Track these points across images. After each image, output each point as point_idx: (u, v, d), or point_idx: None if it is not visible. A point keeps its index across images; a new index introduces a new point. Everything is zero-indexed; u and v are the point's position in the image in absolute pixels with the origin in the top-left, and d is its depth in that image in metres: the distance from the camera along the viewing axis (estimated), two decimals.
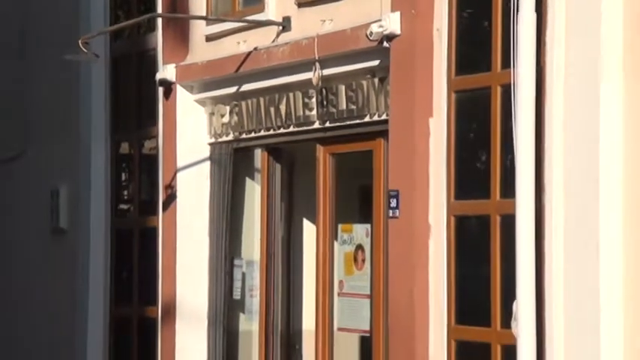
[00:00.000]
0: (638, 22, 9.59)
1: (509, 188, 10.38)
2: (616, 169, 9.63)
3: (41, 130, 17.93)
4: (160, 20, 14.94)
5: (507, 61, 10.44)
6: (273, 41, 13.42)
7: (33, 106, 18.16)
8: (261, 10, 13.61)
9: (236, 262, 14.61)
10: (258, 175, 14.39)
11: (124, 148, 16.67)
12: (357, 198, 13.09)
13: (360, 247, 12.76)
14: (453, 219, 11.34)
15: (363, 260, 12.67)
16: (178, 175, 14.78)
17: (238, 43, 13.96)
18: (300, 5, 13.17)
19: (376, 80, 12.20)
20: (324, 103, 12.89)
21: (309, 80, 12.78)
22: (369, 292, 12.50)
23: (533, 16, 10.07)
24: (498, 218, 10.78)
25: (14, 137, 18.63)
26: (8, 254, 18.77)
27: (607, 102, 9.62)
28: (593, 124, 9.69)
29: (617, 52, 9.64)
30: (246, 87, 14.00)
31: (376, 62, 12.10)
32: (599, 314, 9.62)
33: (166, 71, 14.83)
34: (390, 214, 11.76)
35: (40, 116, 17.99)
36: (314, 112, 13.08)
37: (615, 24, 9.65)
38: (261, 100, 13.82)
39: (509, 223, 10.34)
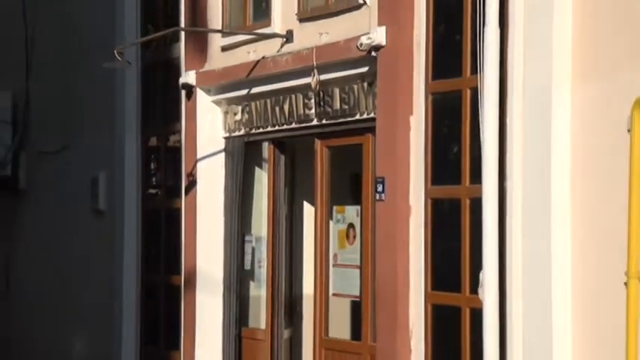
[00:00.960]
0: (585, 37, 9.63)
1: (476, 176, 10.44)
2: (564, 160, 9.70)
3: (83, 127, 17.86)
4: (182, 33, 14.89)
5: (475, 68, 10.52)
6: (278, 51, 13.37)
7: (76, 107, 18.07)
8: (268, 24, 13.58)
9: (247, 238, 14.56)
10: (265, 165, 14.35)
11: (153, 141, 16.61)
12: (349, 184, 13.04)
13: (351, 226, 12.78)
14: (429, 201, 11.34)
15: (354, 236, 12.68)
16: (198, 164, 14.76)
17: (248, 52, 13.90)
18: (301, 20, 13.16)
19: (365, 84, 12.17)
20: (321, 103, 12.88)
21: (309, 84, 12.75)
22: (358, 264, 12.50)
23: (497, 30, 10.13)
24: (468, 201, 10.82)
25: (61, 133, 18.52)
26: (57, 231, 18.66)
27: (557, 104, 9.70)
28: (546, 123, 9.77)
29: (567, 62, 9.70)
30: (255, 90, 13.96)
31: (365, 69, 12.07)
32: (550, 279, 9.70)
33: (188, 76, 14.79)
34: (377, 198, 11.76)
35: (82, 115, 17.91)
36: (312, 111, 13.06)
37: (565, 38, 9.69)
38: (268, 101, 13.80)
39: (477, 205, 10.42)
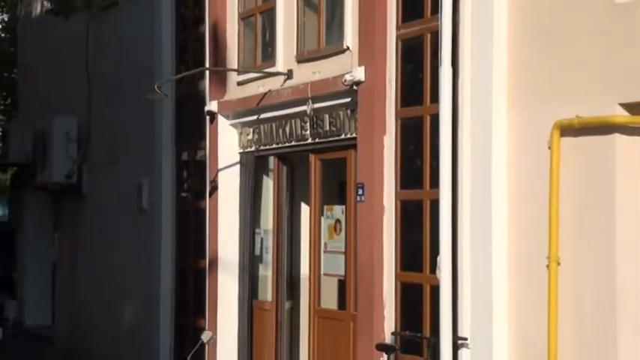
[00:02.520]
0: (517, 75, 9.64)
1: (435, 182, 10.38)
2: (502, 170, 9.73)
3: (130, 145, 17.88)
4: (207, 72, 14.84)
5: (434, 99, 10.51)
6: (281, 85, 13.33)
7: (125, 129, 18.09)
8: (273, 64, 13.54)
9: (256, 230, 14.49)
10: (271, 174, 14.27)
11: (184, 155, 16.55)
12: (336, 188, 12.94)
13: (338, 221, 12.71)
14: (399, 202, 11.31)
15: (340, 229, 12.61)
16: (219, 174, 14.69)
17: (258, 86, 13.86)
18: (299, 62, 13.13)
19: (349, 111, 12.14)
20: (314, 126, 12.84)
21: (305, 111, 12.74)
22: (344, 250, 12.46)
23: (450, 69, 10.07)
24: (428, 202, 10.78)
25: (112, 150, 18.56)
26: (110, 225, 18.66)
27: (496, 126, 9.73)
28: (487, 141, 9.78)
29: (503, 94, 9.72)
30: (263, 116, 13.91)
31: (349, 99, 12.02)
32: (491, 263, 9.73)
33: (211, 105, 14.72)
34: (358, 199, 11.73)
35: (129, 136, 17.92)
36: (307, 132, 13.01)
37: (502, 75, 9.72)
38: (273, 124, 13.75)
39: (435, 205, 10.36)
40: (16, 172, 24.02)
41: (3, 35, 26.89)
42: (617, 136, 8.64)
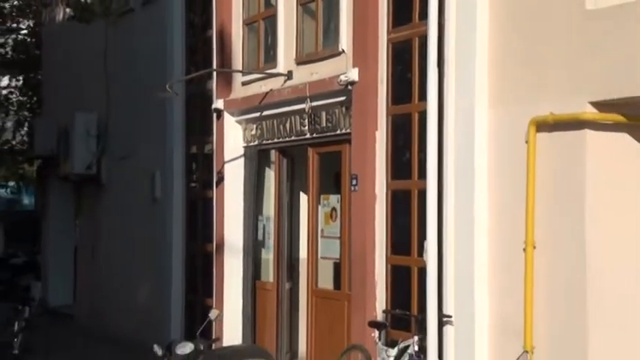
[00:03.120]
0: (497, 75, 9.65)
1: (422, 173, 10.40)
2: (483, 161, 9.74)
3: (144, 139, 17.85)
4: (214, 73, 14.81)
5: (421, 97, 10.53)
6: (282, 85, 13.32)
7: (140, 125, 18.07)
8: (275, 66, 13.52)
9: (259, 217, 14.47)
10: (272, 166, 14.26)
11: (193, 149, 16.53)
12: (332, 179, 12.88)
13: (333, 209, 12.69)
14: (389, 191, 11.33)
15: (336, 216, 12.60)
16: (225, 166, 14.65)
17: (261, 86, 13.83)
18: (298, 64, 13.12)
19: (343, 108, 12.13)
20: (312, 122, 12.83)
21: (303, 109, 12.75)
22: (339, 235, 12.45)
23: (436, 70, 10.12)
24: (416, 191, 10.80)
25: (128, 143, 18.55)
26: (126, 213, 18.67)
27: (478, 122, 9.74)
28: (470, 136, 9.80)
29: (484, 93, 9.73)
30: (265, 113, 13.88)
31: (344, 98, 12.02)
32: (473, 247, 9.75)
33: (218, 103, 14.70)
34: (352, 189, 11.74)
35: (143, 131, 17.91)
36: (306, 127, 13.00)
37: (483, 76, 9.73)
38: (274, 120, 13.74)
39: (422, 195, 10.39)
40: (41, 164, 24.04)
41: (29, 40, 26.85)
42: (587, 131, 8.67)
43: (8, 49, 26.75)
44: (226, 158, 14.68)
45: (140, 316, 17.48)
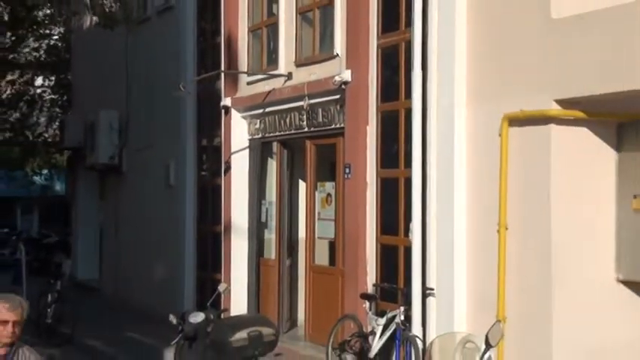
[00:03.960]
0: (475, 76, 9.65)
1: (408, 163, 10.42)
2: (462, 153, 9.74)
3: (161, 132, 17.75)
4: (222, 74, 14.76)
5: (407, 95, 10.53)
6: (283, 85, 13.29)
7: (156, 120, 17.98)
8: (276, 68, 13.48)
9: (262, 202, 14.43)
10: (274, 156, 14.21)
11: (204, 142, 16.45)
12: (328, 168, 12.90)
13: (329, 194, 12.70)
14: (379, 179, 11.33)
15: (331, 201, 12.60)
16: (232, 156, 14.63)
17: (264, 86, 13.78)
18: (297, 66, 13.07)
19: (338, 106, 12.11)
20: (310, 117, 12.80)
21: (302, 106, 12.73)
22: (334, 218, 12.44)
23: (420, 72, 10.15)
24: (403, 179, 10.80)
25: (146, 136, 18.46)
26: (144, 199, 18.62)
27: (458, 118, 9.74)
28: (450, 130, 9.80)
29: (463, 92, 9.73)
30: (268, 109, 13.84)
31: (338, 96, 11.99)
32: (453, 229, 9.75)
33: (226, 101, 14.66)
34: (346, 177, 11.74)
35: (159, 126, 17.81)
36: (305, 122, 12.96)
37: (462, 76, 9.72)
38: (276, 116, 13.69)
39: (408, 182, 10.41)
40: (71, 155, 23.99)
41: (60, 44, 26.79)
42: (552, 125, 8.68)
43: (42, 52, 26.69)
44: (233, 149, 14.65)
45: (157, 289, 17.44)
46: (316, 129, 12.76)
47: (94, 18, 14.46)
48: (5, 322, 5.33)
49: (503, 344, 8.65)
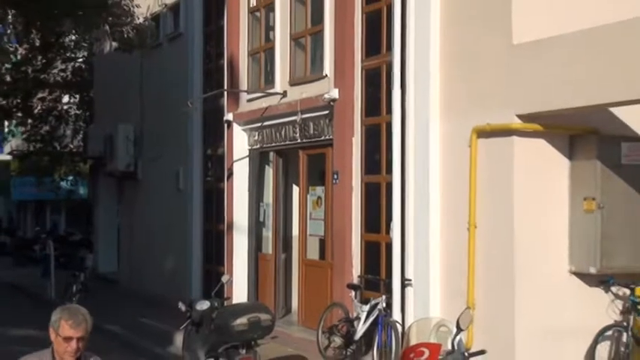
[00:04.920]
0: (447, 93, 9.63)
1: (389, 170, 10.38)
2: (436, 162, 9.71)
3: (171, 143, 17.64)
4: (225, 92, 14.69)
5: (389, 111, 10.47)
6: (278, 102, 13.22)
7: (167, 132, 17.88)
8: (273, 87, 13.40)
9: (261, 204, 14.35)
10: (271, 164, 14.12)
11: (209, 151, 16.37)
12: (318, 174, 12.81)
13: (319, 197, 12.62)
14: (363, 184, 11.27)
15: (321, 203, 12.52)
16: (234, 164, 14.57)
17: (262, 102, 13.70)
18: (291, 85, 12.99)
19: (327, 120, 12.04)
20: (302, 130, 12.74)
21: (295, 120, 12.66)
22: (323, 218, 12.37)
23: (399, 90, 10.12)
24: (385, 184, 10.75)
25: (157, 147, 18.38)
26: (156, 202, 18.51)
27: (432, 131, 9.70)
28: (425, 141, 9.76)
29: (437, 107, 9.69)
30: (265, 123, 13.77)
31: (327, 112, 11.95)
32: (429, 228, 9.70)
33: (229, 116, 14.59)
34: (334, 182, 11.68)
35: (170, 137, 17.70)
36: (298, 134, 12.90)
37: (435, 94, 9.68)
38: (273, 129, 13.62)
39: (389, 187, 10.36)
40: (93, 163, 23.87)
41: (84, 66, 26.73)
42: (514, 137, 8.68)
43: (68, 73, 26.63)
44: (235, 158, 14.58)
45: (168, 280, 17.37)
46: (308, 140, 12.70)
47: (114, 43, 14.46)
48: (69, 339, 4.38)
49: (472, 328, 8.66)
